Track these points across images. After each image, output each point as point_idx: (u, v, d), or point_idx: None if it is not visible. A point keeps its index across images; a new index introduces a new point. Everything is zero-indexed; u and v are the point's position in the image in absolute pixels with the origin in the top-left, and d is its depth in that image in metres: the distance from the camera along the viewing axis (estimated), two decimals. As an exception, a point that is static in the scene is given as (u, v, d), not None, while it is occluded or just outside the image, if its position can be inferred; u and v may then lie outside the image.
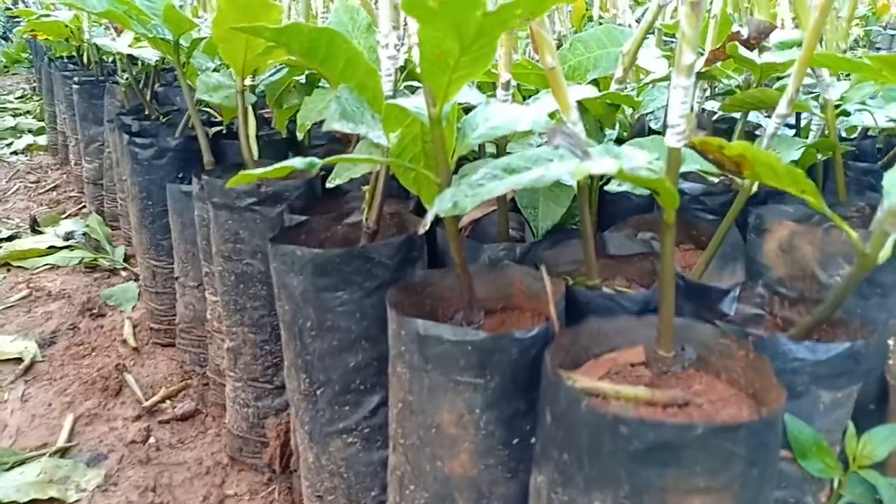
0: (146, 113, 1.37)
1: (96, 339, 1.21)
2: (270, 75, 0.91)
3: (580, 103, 0.71)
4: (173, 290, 1.13)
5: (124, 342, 1.20)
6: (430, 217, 0.43)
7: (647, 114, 0.91)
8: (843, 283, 0.41)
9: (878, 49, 3.19)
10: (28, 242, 1.62)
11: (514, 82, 0.66)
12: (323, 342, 0.58)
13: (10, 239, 1.68)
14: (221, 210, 0.78)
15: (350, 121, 0.51)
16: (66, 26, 1.78)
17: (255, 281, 0.78)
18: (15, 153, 2.68)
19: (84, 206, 1.97)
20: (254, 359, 0.81)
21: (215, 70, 1.04)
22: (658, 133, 1.00)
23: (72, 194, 2.14)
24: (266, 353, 0.81)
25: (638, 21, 1.07)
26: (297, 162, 0.43)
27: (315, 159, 0.44)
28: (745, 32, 0.71)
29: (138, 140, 1.09)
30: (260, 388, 0.83)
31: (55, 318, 1.27)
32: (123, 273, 1.50)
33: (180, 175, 1.08)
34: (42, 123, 2.97)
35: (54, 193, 2.17)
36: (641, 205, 0.79)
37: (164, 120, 1.36)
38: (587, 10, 2.05)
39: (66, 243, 1.61)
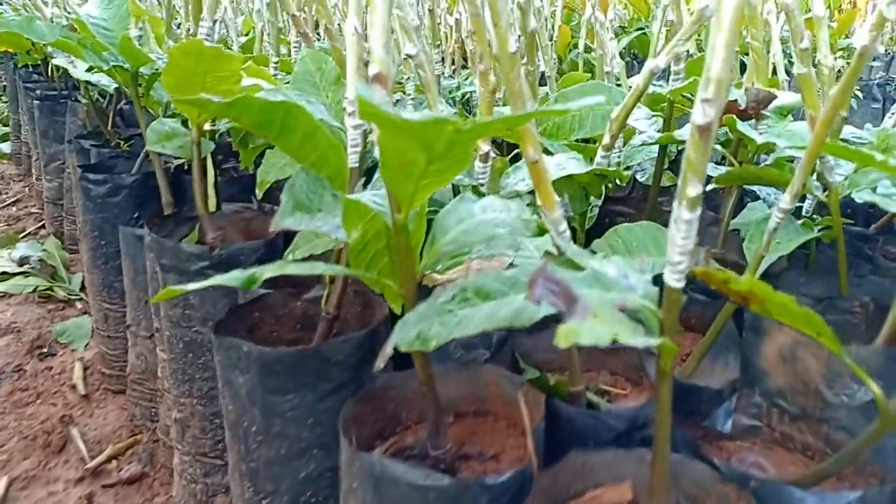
0: (107, 139, 1.29)
1: (43, 383, 1.13)
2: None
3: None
4: (126, 335, 1.05)
5: (73, 387, 1.12)
6: (388, 349, 0.37)
7: (632, 166, 0.86)
8: (862, 440, 0.36)
9: (871, 80, 3.19)
10: (-21, 267, 1.53)
11: (493, 153, 0.61)
12: (270, 449, 0.51)
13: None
14: (170, 273, 0.71)
15: (306, 212, 0.45)
16: (27, 38, 1.69)
17: (205, 350, 0.71)
18: (-24, 161, 2.58)
19: (44, 225, 1.88)
20: (203, 432, 0.74)
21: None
22: (646, 187, 0.95)
23: (33, 210, 2.04)
24: (216, 427, 0.74)
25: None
26: (231, 278, 0.37)
27: (256, 273, 0.38)
28: (742, 102, 0.66)
29: (91, 176, 1.01)
30: (209, 464, 0.76)
31: (1, 358, 1.19)
32: (79, 304, 1.42)
33: (136, 215, 1.01)
34: (7, 129, 2.86)
35: (14, 209, 2.08)
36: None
37: (125, 146, 1.29)
38: (573, 37, 2.01)
39: (20, 269, 1.53)
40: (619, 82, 1.06)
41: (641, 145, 0.76)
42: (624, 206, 0.93)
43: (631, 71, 2.31)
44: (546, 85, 1.03)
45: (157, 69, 0.91)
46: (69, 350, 1.24)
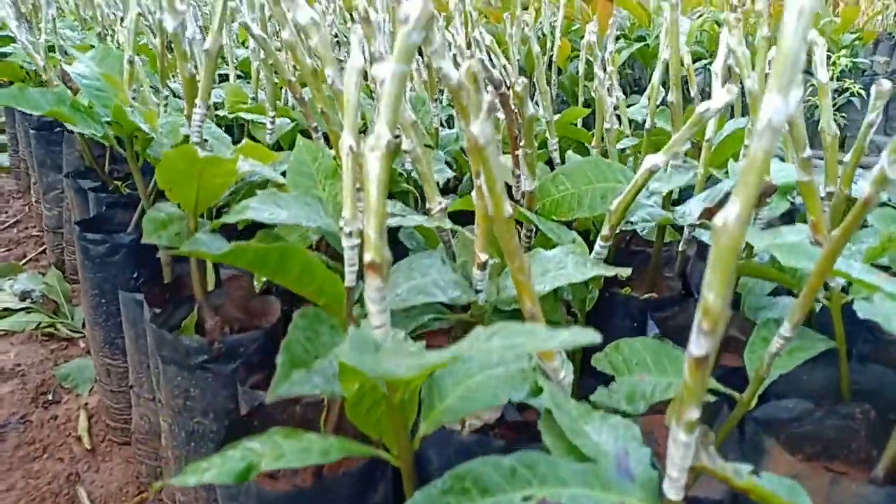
0: (104, 181, 1.28)
1: (49, 434, 1.14)
2: (231, 193, 0.84)
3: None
4: (129, 391, 1.05)
5: (79, 439, 1.13)
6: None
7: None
8: None
9: (875, 76, 3.14)
10: (-19, 303, 1.54)
11: (491, 260, 0.60)
12: (274, 579, 0.52)
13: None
14: (170, 365, 0.71)
15: (303, 367, 0.45)
16: (22, 67, 1.68)
17: (206, 440, 0.72)
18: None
19: (45, 250, 1.88)
20: (207, 517, 0.75)
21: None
22: (648, 245, 0.94)
23: (33, 232, 2.04)
24: (221, 513, 0.74)
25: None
26: (227, 473, 0.37)
27: (252, 462, 0.38)
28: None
29: (89, 236, 1.01)
30: (215, 546, 0.76)
31: (6, 407, 1.20)
32: (82, 343, 1.42)
33: (135, 275, 1.01)
34: (5, 138, 2.84)
35: (15, 231, 2.07)
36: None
37: (123, 187, 1.28)
38: (573, 50, 1.99)
39: (22, 304, 1.53)
40: (617, 112, 1.05)
41: (641, 222, 0.75)
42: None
43: (632, 81, 2.29)
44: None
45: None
46: (73, 395, 1.24)
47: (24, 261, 1.84)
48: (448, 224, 0.65)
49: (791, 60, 0.26)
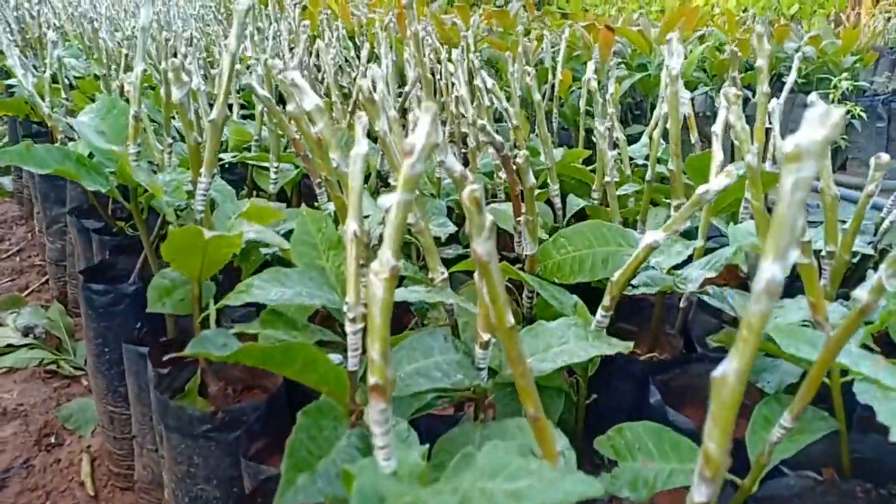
0: (108, 223, 1.29)
1: (52, 479, 1.14)
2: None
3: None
4: (132, 440, 1.06)
5: (82, 484, 1.13)
6: None
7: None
8: None
9: (875, 97, 3.14)
10: (-16, 338, 1.54)
11: (493, 339, 0.61)
12: None
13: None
14: (174, 433, 0.71)
15: (307, 470, 0.45)
16: (26, 103, 1.69)
17: (211, 507, 0.72)
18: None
19: (48, 280, 1.89)
20: (211, 581, 0.75)
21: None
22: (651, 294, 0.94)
23: (36, 261, 2.04)
24: (224, 577, 0.74)
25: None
26: None
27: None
28: (744, 267, 0.66)
29: (93, 286, 1.01)
30: None
31: (9, 452, 1.20)
32: (84, 381, 1.43)
33: (138, 324, 1.01)
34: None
35: (17, 259, 2.08)
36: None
37: (127, 228, 1.29)
38: (574, 80, 2.00)
39: (25, 340, 1.53)
40: (618, 150, 1.06)
41: (643, 286, 0.75)
42: (626, 322, 0.93)
43: (633, 105, 2.30)
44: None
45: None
46: (76, 437, 1.24)
47: (26, 292, 1.84)
48: (451, 299, 0.65)
49: (788, 228, 0.27)
